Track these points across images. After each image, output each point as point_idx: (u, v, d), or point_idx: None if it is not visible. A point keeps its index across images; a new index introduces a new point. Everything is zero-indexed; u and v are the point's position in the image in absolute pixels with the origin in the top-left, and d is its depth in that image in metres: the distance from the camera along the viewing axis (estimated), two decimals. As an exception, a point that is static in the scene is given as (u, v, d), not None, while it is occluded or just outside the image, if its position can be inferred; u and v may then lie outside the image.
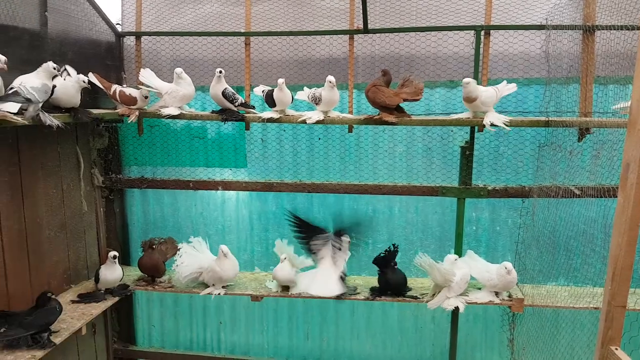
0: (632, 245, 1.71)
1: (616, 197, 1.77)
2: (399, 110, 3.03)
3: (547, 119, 3.01)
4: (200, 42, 3.64)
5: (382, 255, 3.22)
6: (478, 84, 3.09)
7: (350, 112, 3.42)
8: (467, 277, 3.13)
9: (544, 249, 3.09)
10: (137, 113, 3.23)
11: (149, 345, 4.16)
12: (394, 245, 3.21)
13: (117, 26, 3.65)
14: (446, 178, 3.48)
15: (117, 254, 3.24)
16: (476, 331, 3.76)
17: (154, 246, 3.47)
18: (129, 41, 3.69)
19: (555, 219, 3.00)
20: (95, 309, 3.11)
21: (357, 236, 3.16)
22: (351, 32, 3.38)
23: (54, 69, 2.61)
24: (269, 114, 3.18)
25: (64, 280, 3.34)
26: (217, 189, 3.69)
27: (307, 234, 3.15)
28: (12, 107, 2.37)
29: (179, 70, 3.16)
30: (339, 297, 3.09)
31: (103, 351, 3.82)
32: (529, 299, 3.12)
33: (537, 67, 3.31)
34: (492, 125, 2.92)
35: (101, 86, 3.16)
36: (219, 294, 3.30)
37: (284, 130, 3.67)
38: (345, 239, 3.11)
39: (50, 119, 2.53)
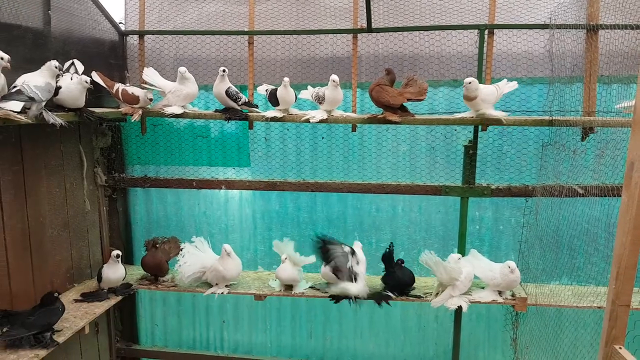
0: (636, 244, 1.71)
1: (620, 196, 1.77)
2: (402, 109, 3.03)
3: (550, 118, 3.01)
4: (203, 41, 3.64)
5: (385, 254, 3.22)
6: (481, 83, 3.09)
7: (354, 111, 3.42)
8: (471, 275, 3.13)
9: (547, 248, 3.09)
10: (140, 112, 3.22)
11: (152, 344, 4.17)
12: (390, 244, 3.23)
13: (120, 25, 3.65)
14: (449, 177, 3.47)
15: (120, 253, 3.24)
16: (479, 330, 3.76)
17: (157, 245, 3.47)
18: (132, 40, 3.70)
19: (559, 218, 3.00)
20: (98, 308, 3.12)
21: None
22: (355, 31, 3.37)
23: (57, 67, 2.61)
24: (272, 112, 3.18)
25: (67, 279, 3.35)
26: (221, 188, 3.70)
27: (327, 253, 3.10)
28: (16, 105, 2.37)
29: (182, 69, 3.16)
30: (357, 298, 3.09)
31: (106, 350, 3.82)
32: (532, 298, 3.12)
33: (540, 67, 3.30)
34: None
35: (104, 85, 3.16)
36: (222, 293, 3.30)
37: (288, 129, 3.67)
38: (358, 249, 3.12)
39: (53, 118, 2.53)
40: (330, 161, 3.66)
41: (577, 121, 2.95)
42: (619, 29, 2.67)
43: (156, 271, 3.47)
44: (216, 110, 3.30)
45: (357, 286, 2.95)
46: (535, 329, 3.19)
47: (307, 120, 3.11)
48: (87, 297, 3.21)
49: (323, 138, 3.65)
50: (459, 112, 3.23)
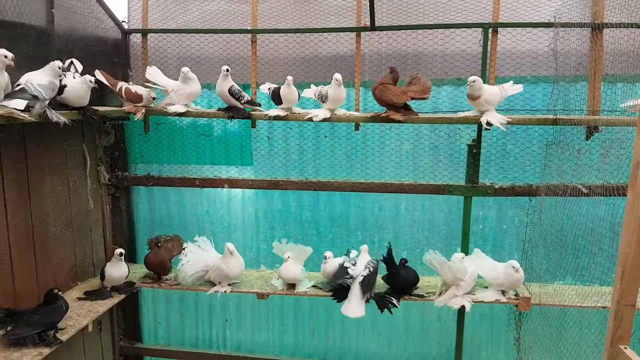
0: (641, 243, 1.70)
1: (624, 195, 1.76)
2: (406, 108, 3.02)
3: (555, 117, 2.99)
4: (206, 40, 3.64)
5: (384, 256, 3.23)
6: (485, 81, 3.08)
7: (357, 110, 3.41)
8: (475, 275, 3.12)
9: (551, 247, 3.07)
10: (143, 110, 3.23)
11: (155, 343, 4.17)
12: (388, 244, 3.23)
13: (123, 23, 3.65)
14: (453, 176, 3.46)
15: (123, 251, 3.25)
16: (482, 330, 3.75)
17: (160, 244, 3.48)
18: (136, 38, 3.70)
19: (563, 218, 2.98)
20: (102, 306, 3.12)
21: None
22: (358, 30, 3.36)
23: (60, 68, 2.61)
24: (275, 111, 3.17)
25: (70, 278, 3.35)
26: (223, 187, 3.69)
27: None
28: (19, 104, 2.38)
29: (185, 69, 3.16)
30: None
31: (109, 348, 3.83)
32: (535, 297, 3.11)
33: (545, 65, 3.29)
34: (488, 123, 2.90)
35: (107, 84, 3.16)
36: (225, 291, 3.30)
37: (290, 128, 3.67)
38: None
39: (57, 116, 2.54)
40: (333, 160, 3.65)
41: (581, 120, 2.93)
42: (624, 27, 2.65)
43: (159, 270, 3.47)
44: (219, 109, 3.30)
45: None
46: (539, 328, 3.18)
47: (310, 119, 3.11)
48: (90, 296, 3.21)
49: (326, 137, 3.64)
50: (463, 110, 3.22)
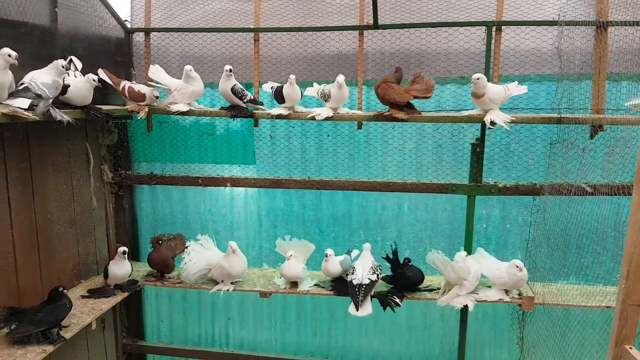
0: (647, 243, 1.69)
1: (629, 194, 1.75)
2: (409, 106, 3.01)
3: (559, 116, 2.98)
4: (209, 38, 3.64)
5: (389, 257, 3.23)
6: (489, 80, 3.07)
7: (360, 109, 3.40)
8: (478, 274, 3.11)
9: (555, 247, 3.06)
10: (146, 109, 3.23)
11: (158, 341, 4.18)
12: (394, 244, 3.24)
13: (126, 22, 3.66)
14: (456, 175, 3.45)
15: (126, 249, 3.25)
16: (485, 329, 3.74)
17: (161, 242, 3.48)
18: (138, 37, 3.70)
19: (567, 217, 2.97)
20: (105, 304, 3.13)
21: None
22: (361, 28, 3.36)
23: (63, 67, 2.62)
24: (278, 110, 3.17)
25: (74, 276, 3.36)
26: (226, 186, 3.70)
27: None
28: (23, 102, 2.38)
29: (188, 67, 3.16)
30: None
31: (112, 346, 3.84)
32: (539, 297, 3.09)
33: (549, 64, 3.27)
34: (492, 123, 2.89)
35: (110, 82, 3.16)
36: (227, 290, 3.30)
37: (293, 127, 3.66)
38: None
39: (60, 115, 2.54)
40: (335, 159, 3.65)
41: (586, 119, 2.92)
42: (629, 25, 2.64)
43: (162, 268, 3.48)
44: (222, 108, 3.30)
45: None
46: (542, 328, 3.18)
47: (313, 118, 3.10)
48: (93, 294, 3.22)
49: (328, 136, 3.64)
50: (466, 109, 3.21)
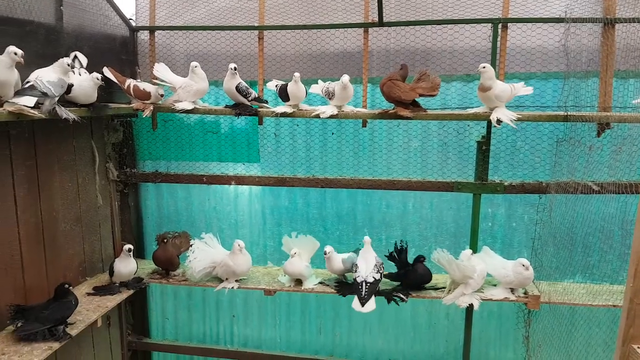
0: (655, 242, 1.67)
1: (637, 193, 1.74)
2: (414, 104, 3.00)
3: (565, 114, 2.96)
4: (213, 37, 3.64)
5: (394, 254, 3.22)
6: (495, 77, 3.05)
7: (365, 107, 3.39)
8: (484, 273, 3.10)
9: (561, 245, 3.04)
10: (151, 107, 3.23)
11: (163, 338, 4.20)
12: (401, 242, 3.25)
13: (131, 21, 3.66)
14: (462, 173, 3.44)
15: (131, 247, 3.26)
16: (490, 328, 3.73)
17: (166, 240, 3.49)
18: (143, 35, 3.70)
19: (573, 215, 2.95)
20: (110, 301, 3.14)
21: None
22: (366, 25, 3.34)
23: (69, 65, 2.62)
24: (282, 108, 3.17)
25: (80, 273, 3.38)
26: (230, 184, 3.70)
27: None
28: (29, 101, 2.38)
29: (194, 63, 3.16)
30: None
31: (117, 343, 3.86)
32: (545, 296, 3.08)
33: (555, 61, 3.25)
34: (498, 121, 2.88)
35: (116, 81, 3.17)
36: (232, 287, 3.31)
37: (297, 125, 3.66)
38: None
39: (66, 113, 2.54)
40: (340, 157, 3.64)
41: (592, 117, 2.89)
42: (637, 22, 2.61)
43: (167, 265, 3.49)
44: (226, 106, 3.30)
45: None
46: (548, 327, 3.16)
47: (317, 116, 3.09)
48: (99, 291, 3.23)
49: (333, 134, 3.63)
50: (472, 107, 3.19)
